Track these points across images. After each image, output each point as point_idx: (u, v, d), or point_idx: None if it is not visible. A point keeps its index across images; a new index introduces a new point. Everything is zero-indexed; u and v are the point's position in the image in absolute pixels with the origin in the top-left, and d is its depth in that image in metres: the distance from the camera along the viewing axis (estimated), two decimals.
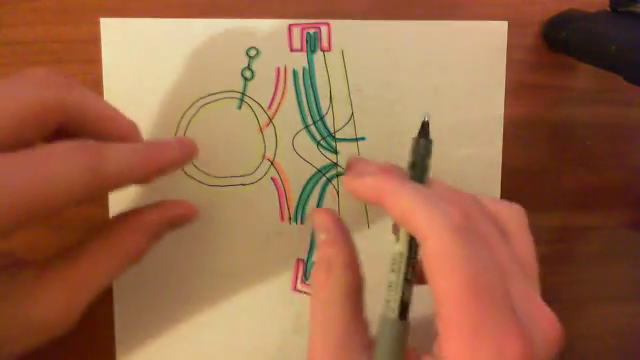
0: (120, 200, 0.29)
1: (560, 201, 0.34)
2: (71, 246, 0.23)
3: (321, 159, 0.31)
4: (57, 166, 0.19)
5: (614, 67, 0.26)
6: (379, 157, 0.31)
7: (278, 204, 0.31)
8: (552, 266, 0.34)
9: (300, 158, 0.31)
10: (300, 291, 0.32)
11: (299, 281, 0.32)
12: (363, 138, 0.31)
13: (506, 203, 0.23)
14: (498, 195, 0.32)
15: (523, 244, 0.22)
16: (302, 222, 0.31)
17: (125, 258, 0.23)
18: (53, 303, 0.21)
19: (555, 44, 0.31)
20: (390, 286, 0.21)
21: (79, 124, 0.22)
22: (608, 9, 0.30)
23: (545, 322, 0.19)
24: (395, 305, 0.21)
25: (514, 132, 0.32)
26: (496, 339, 0.17)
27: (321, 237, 0.24)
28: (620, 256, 0.34)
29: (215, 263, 0.31)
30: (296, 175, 0.31)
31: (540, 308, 0.19)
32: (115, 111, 0.23)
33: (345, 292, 0.22)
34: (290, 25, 0.30)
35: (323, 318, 0.22)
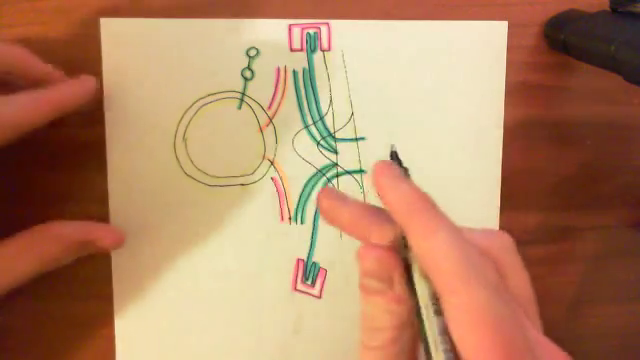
0: (120, 200, 0.30)
1: (560, 201, 0.34)
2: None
3: (321, 159, 0.31)
4: None
5: (614, 67, 0.26)
6: (379, 157, 0.31)
7: (278, 204, 0.31)
8: (552, 266, 0.34)
9: (300, 158, 0.31)
10: (300, 291, 0.32)
11: (299, 281, 0.32)
12: (363, 138, 0.31)
13: (495, 234, 0.21)
14: (498, 196, 0.32)
15: (519, 279, 0.20)
16: (302, 222, 0.31)
17: (38, 262, 0.26)
18: None
19: (555, 44, 0.31)
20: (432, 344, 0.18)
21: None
22: (608, 9, 0.30)
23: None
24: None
25: (514, 132, 0.32)
26: None
27: (372, 284, 0.19)
28: (620, 256, 0.34)
29: (215, 263, 0.31)
30: (296, 175, 0.31)
31: (552, 349, 0.19)
32: (31, 57, 0.26)
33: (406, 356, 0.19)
34: (290, 25, 0.30)
35: None
